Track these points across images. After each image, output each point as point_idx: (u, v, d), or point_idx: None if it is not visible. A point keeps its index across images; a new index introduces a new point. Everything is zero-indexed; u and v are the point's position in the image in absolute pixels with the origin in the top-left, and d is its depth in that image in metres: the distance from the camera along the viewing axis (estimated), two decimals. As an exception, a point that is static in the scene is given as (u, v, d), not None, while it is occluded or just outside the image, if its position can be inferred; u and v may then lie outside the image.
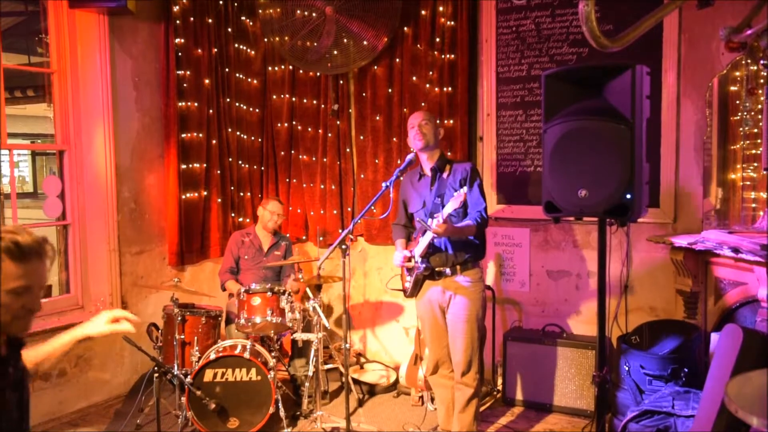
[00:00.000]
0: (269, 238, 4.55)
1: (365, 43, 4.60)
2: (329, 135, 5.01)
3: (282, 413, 3.73)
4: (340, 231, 4.82)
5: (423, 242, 3.30)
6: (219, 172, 4.83)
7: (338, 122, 5.00)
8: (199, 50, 4.64)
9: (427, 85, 4.63)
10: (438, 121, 3.60)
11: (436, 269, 3.36)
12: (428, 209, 3.38)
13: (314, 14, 4.60)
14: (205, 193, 4.75)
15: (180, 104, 4.55)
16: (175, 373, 3.64)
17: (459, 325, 3.34)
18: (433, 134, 3.41)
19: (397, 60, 4.73)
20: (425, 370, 3.89)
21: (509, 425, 3.96)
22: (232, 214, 5.00)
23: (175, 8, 4.47)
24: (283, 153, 5.18)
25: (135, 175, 4.47)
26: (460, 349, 3.35)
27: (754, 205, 3.67)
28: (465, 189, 3.14)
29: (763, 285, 2.99)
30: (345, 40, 4.62)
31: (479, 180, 3.41)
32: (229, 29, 4.90)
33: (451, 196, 3.26)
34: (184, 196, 4.59)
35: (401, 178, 3.56)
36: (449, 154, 4.50)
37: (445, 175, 3.41)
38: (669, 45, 3.94)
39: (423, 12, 4.60)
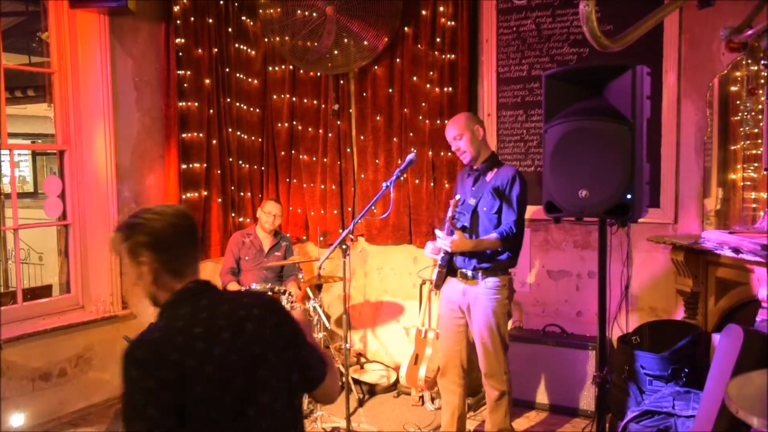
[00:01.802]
0: (270, 239, 4.56)
1: (366, 43, 4.60)
2: (329, 135, 5.01)
3: (282, 413, 3.72)
4: (341, 231, 4.82)
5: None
6: (219, 172, 4.83)
7: (338, 122, 5.00)
8: (200, 50, 4.64)
9: (428, 85, 4.63)
10: (473, 118, 3.46)
11: (460, 270, 3.36)
12: (461, 208, 3.37)
13: (315, 14, 4.60)
14: (206, 193, 4.74)
15: (180, 104, 4.55)
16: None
17: (479, 332, 3.34)
18: (473, 142, 3.33)
19: (398, 60, 4.73)
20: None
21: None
22: (233, 214, 4.99)
23: (176, 8, 4.47)
24: (283, 153, 5.18)
25: (135, 175, 4.47)
26: (482, 356, 3.36)
27: (754, 205, 3.67)
28: (457, 197, 3.19)
29: (763, 285, 2.99)
30: (345, 40, 4.62)
31: (518, 189, 3.28)
32: (230, 29, 4.90)
33: (489, 201, 3.29)
34: (184, 196, 4.59)
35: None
36: (449, 153, 4.49)
37: (488, 177, 3.36)
38: (669, 45, 3.94)
39: (423, 12, 4.60)
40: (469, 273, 3.33)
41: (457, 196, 3.23)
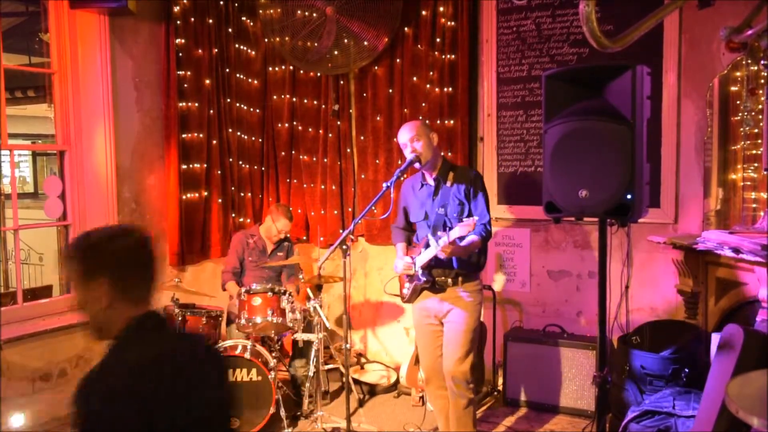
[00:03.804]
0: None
1: (366, 43, 4.60)
2: (330, 135, 5.01)
3: (282, 413, 3.73)
4: (341, 231, 4.82)
5: (426, 255, 3.20)
6: (219, 172, 4.83)
7: (339, 122, 5.00)
8: (200, 50, 4.64)
9: (428, 86, 4.63)
10: (428, 126, 3.44)
11: (437, 281, 3.30)
12: (431, 221, 3.30)
13: (315, 14, 4.61)
14: (206, 193, 4.75)
15: (180, 104, 4.55)
16: (176, 373, 3.64)
17: (455, 336, 3.29)
18: (428, 147, 3.27)
19: (398, 60, 4.73)
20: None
21: (509, 426, 3.96)
22: (233, 215, 4.99)
23: (176, 8, 4.47)
24: (283, 153, 5.19)
25: (135, 176, 4.47)
26: (455, 360, 3.29)
27: (754, 205, 3.67)
28: (475, 218, 3.05)
29: (763, 285, 2.99)
30: (345, 41, 4.63)
31: (483, 191, 3.30)
32: (230, 29, 4.90)
33: (456, 207, 3.23)
34: (184, 197, 4.59)
35: (401, 179, 3.52)
36: (450, 154, 4.49)
37: (448, 183, 3.31)
38: (669, 45, 3.94)
39: (423, 12, 4.60)
40: (449, 281, 3.30)
41: (474, 218, 3.09)
